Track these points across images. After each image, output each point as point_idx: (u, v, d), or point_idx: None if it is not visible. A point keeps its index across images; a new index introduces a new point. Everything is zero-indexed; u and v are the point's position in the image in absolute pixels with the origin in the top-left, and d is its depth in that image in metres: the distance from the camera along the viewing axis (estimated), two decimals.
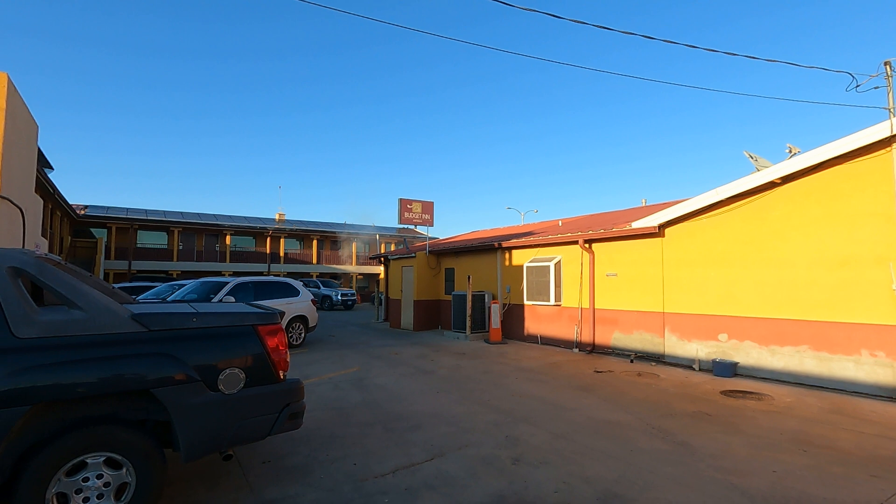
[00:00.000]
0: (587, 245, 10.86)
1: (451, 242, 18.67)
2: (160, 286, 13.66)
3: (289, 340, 11.27)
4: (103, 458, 2.92)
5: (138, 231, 30.72)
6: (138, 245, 30.46)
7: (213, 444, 3.25)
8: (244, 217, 37.36)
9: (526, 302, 12.45)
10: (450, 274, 15.89)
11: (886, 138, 6.61)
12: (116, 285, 16.92)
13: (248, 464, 4.16)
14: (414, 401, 6.40)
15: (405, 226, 16.66)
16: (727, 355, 8.30)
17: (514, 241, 13.10)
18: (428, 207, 16.44)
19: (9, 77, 6.70)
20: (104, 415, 3.04)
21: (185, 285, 11.77)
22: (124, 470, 2.98)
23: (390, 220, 58.58)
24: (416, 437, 4.90)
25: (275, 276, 22.83)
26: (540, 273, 11.89)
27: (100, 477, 2.91)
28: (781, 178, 7.68)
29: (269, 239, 34.43)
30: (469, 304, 13.01)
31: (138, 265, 29.25)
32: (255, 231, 34.34)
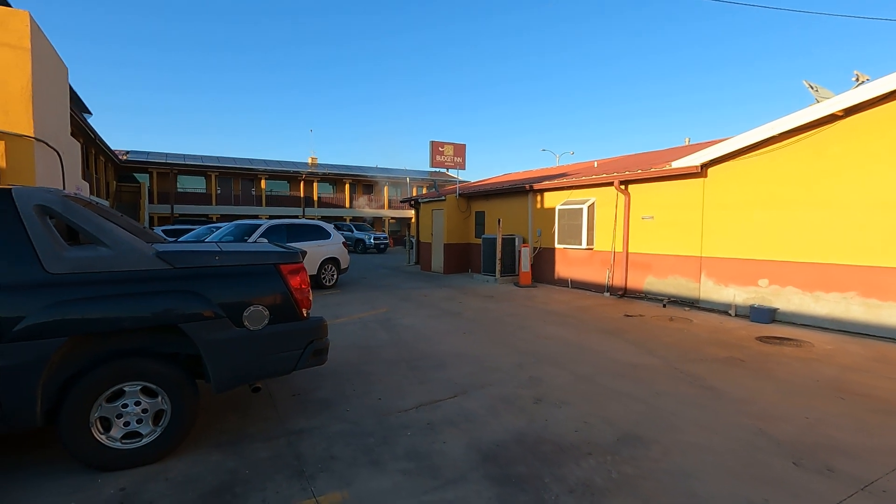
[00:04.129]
0: (623, 186, 10.40)
1: (481, 185, 18.33)
2: (199, 229, 14.13)
3: (321, 282, 11.58)
4: (140, 387, 3.09)
5: (178, 176, 31.58)
6: (179, 189, 31.41)
7: (242, 376, 3.38)
8: (277, 161, 37.71)
9: (557, 245, 12.23)
10: (480, 217, 15.71)
11: None
12: (158, 228, 17.65)
13: (278, 396, 4.36)
14: (439, 341, 6.50)
15: (437, 169, 16.37)
16: (766, 301, 7.98)
17: (545, 184, 12.70)
18: (460, 150, 16.02)
19: (31, 16, 6.67)
20: (137, 348, 3.18)
21: (221, 227, 12.11)
22: (160, 398, 3.14)
23: (421, 163, 57.96)
24: (440, 376, 4.99)
25: (308, 219, 23.26)
26: (572, 216, 11.56)
27: (138, 404, 3.09)
28: (844, 110, 6.96)
29: (302, 183, 34.82)
30: (499, 247, 12.90)
31: (180, 209, 30.33)
32: (289, 175, 34.73)
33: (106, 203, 23.11)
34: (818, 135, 7.33)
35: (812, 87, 8.10)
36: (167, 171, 30.50)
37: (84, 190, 9.30)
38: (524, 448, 3.40)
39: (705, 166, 8.83)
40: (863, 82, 7.17)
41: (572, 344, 6.34)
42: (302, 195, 34.63)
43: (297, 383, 4.67)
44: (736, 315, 8.27)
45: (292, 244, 10.23)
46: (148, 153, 33.15)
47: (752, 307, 7.97)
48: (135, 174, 30.30)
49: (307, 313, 3.72)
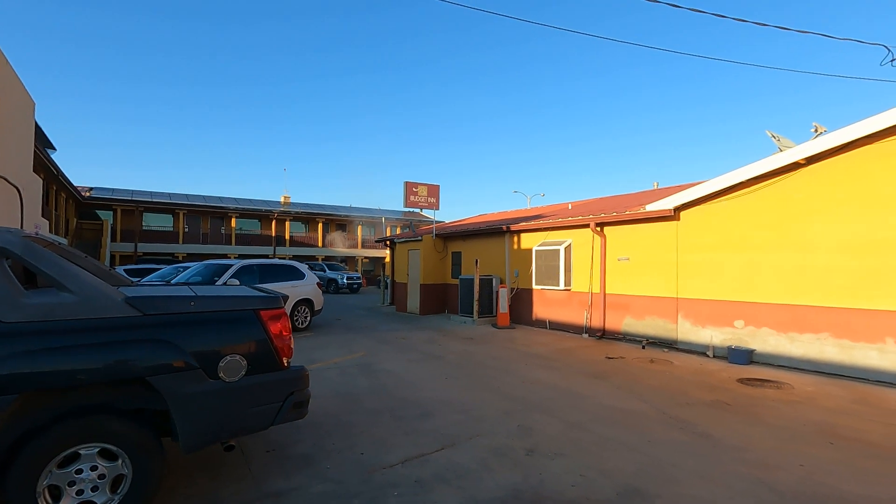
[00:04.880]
0: (598, 228, 10.58)
1: (458, 226, 18.42)
2: (165, 268, 13.55)
3: (294, 324, 11.16)
4: (97, 450, 2.76)
5: (144, 213, 30.67)
6: (144, 227, 30.43)
7: (214, 434, 3.09)
8: (249, 200, 37.25)
9: (535, 286, 12.23)
10: (457, 258, 15.67)
11: None
12: (120, 268, 16.87)
13: (252, 452, 4.01)
14: (423, 387, 6.24)
15: (411, 209, 16.43)
16: (743, 342, 8.07)
17: (522, 225, 12.83)
18: (434, 191, 16.16)
19: (0, 50, 6.44)
20: (97, 404, 2.87)
21: (190, 268, 11.64)
22: (120, 461, 2.81)
23: (395, 202, 58.27)
24: (426, 426, 4.73)
25: (280, 259, 22.73)
26: (549, 257, 11.64)
27: (94, 469, 2.75)
28: (806, 158, 7.34)
29: (274, 222, 34.30)
30: (477, 288, 12.81)
31: (144, 247, 29.27)
32: (261, 214, 34.21)
33: (65, 241, 22.10)
34: (784, 181, 7.68)
35: (775, 137, 8.56)
36: (133, 208, 29.58)
37: (43, 228, 8.81)
38: None
39: (678, 210, 9.10)
40: (821, 133, 7.62)
41: (559, 389, 6.19)
42: (273, 234, 34.04)
43: (273, 437, 4.33)
44: (714, 356, 8.32)
45: (265, 285, 9.90)
46: (113, 189, 32.19)
47: (729, 348, 8.04)
48: (98, 211, 29.26)
49: (288, 362, 3.47)
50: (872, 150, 6.77)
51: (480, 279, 13.00)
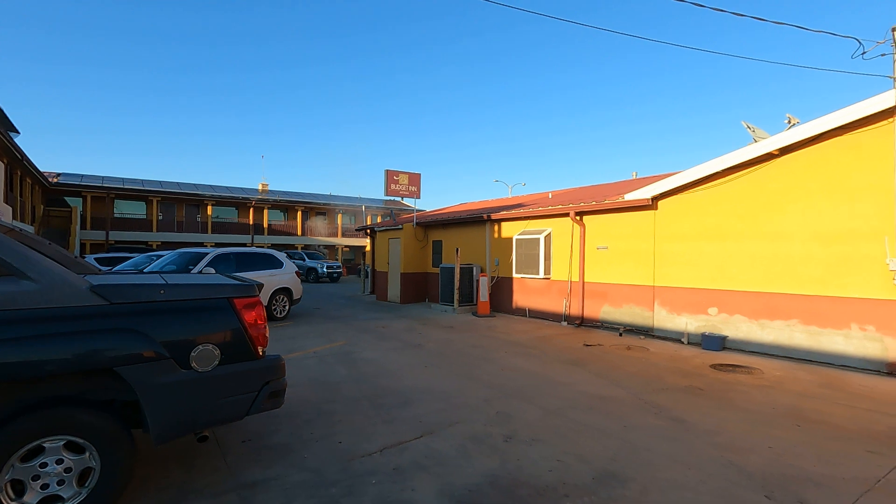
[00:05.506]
0: (578, 217, 10.66)
1: (438, 214, 18.36)
2: (137, 257, 13.20)
3: (272, 313, 11.02)
4: (63, 442, 2.67)
5: (115, 200, 29.76)
6: (116, 215, 29.55)
7: (186, 425, 3.02)
8: (226, 187, 36.45)
9: (515, 275, 12.30)
10: (437, 246, 15.64)
11: (889, 109, 6.41)
12: (91, 256, 16.37)
13: (227, 443, 3.95)
14: (402, 375, 6.22)
15: (392, 198, 16.33)
16: (716, 329, 8.27)
17: (503, 214, 12.85)
18: (415, 179, 16.04)
19: None
20: (62, 396, 2.77)
21: (163, 256, 11.35)
22: (87, 454, 2.73)
23: (376, 191, 57.80)
24: (405, 414, 4.73)
25: (258, 247, 22.36)
26: (529, 246, 11.70)
27: (60, 462, 2.66)
28: (779, 149, 7.49)
29: (252, 210, 33.67)
30: (457, 276, 12.82)
31: (116, 235, 28.44)
32: (238, 201, 33.53)
33: (31, 229, 21.26)
34: (758, 171, 7.82)
35: (750, 128, 8.70)
36: (103, 194, 28.65)
37: (6, 215, 8.45)
38: (499, 492, 3.20)
39: (655, 199, 9.21)
40: (794, 125, 7.77)
41: (538, 376, 6.25)
42: (251, 222, 33.42)
43: (249, 427, 4.26)
44: (689, 343, 8.51)
45: (242, 274, 9.73)
46: (82, 176, 31.11)
47: (703, 335, 8.23)
48: (66, 198, 28.26)
49: (263, 351, 3.41)
50: (843, 142, 6.94)
51: (461, 268, 13.01)
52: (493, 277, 13.12)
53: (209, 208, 32.42)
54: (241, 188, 37.43)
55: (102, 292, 2.83)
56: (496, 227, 13.39)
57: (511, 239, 12.45)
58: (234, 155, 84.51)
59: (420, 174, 16.11)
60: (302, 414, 4.68)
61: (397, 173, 15.71)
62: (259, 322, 3.34)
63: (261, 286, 3.64)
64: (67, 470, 2.68)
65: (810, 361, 7.09)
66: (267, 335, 3.44)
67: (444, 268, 13.52)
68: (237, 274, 8.46)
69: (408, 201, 18.12)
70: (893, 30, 6.48)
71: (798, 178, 7.39)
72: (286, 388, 3.56)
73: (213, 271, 9.53)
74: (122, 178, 32.50)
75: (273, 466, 3.54)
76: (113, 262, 14.89)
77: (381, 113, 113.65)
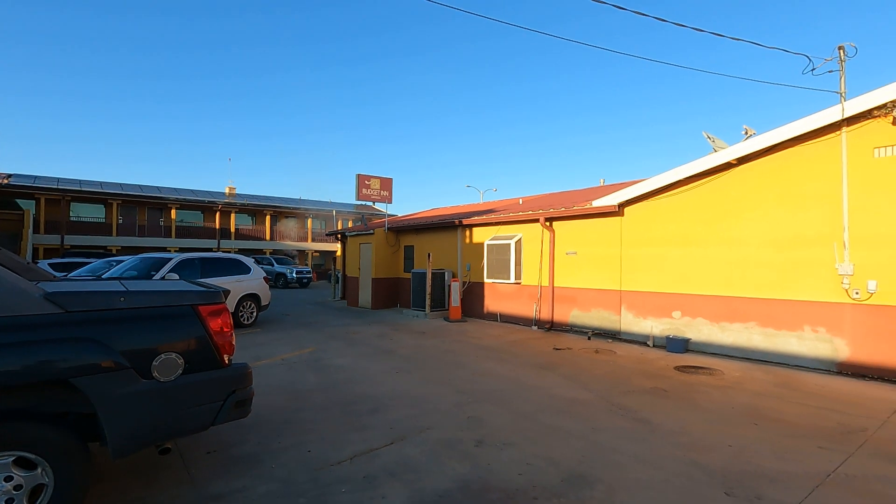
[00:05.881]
0: (548, 223, 10.84)
1: (410, 219, 18.33)
2: (95, 262, 12.65)
3: (239, 320, 10.76)
4: (12, 458, 2.54)
5: (72, 203, 28.48)
6: (72, 218, 28.28)
7: (147, 437, 2.91)
8: (191, 190, 35.39)
9: (486, 280, 12.39)
10: (409, 251, 15.61)
11: (836, 122, 6.80)
12: (44, 262, 15.62)
13: (191, 455, 3.83)
14: (373, 382, 6.17)
15: (363, 202, 16.19)
16: (680, 332, 8.54)
17: (475, 219, 12.94)
18: (387, 184, 16.00)
19: None
20: (12, 409, 2.63)
21: (124, 261, 10.92)
22: (39, 470, 2.60)
23: (347, 196, 57.27)
24: (376, 421, 4.69)
25: (225, 252, 21.78)
26: (500, 251, 11.81)
27: (9, 479, 2.53)
28: (737, 159, 7.82)
29: (218, 213, 32.79)
30: (429, 282, 12.82)
31: (73, 240, 27.20)
32: (204, 205, 32.60)
33: None
34: (718, 180, 8.15)
35: (710, 138, 9.06)
36: (59, 197, 27.36)
37: None
38: (470, 497, 3.22)
39: (622, 206, 9.46)
40: (751, 136, 8.13)
41: (509, 380, 6.30)
42: (218, 226, 32.52)
43: (214, 438, 4.15)
44: (654, 346, 8.75)
45: (207, 280, 9.46)
46: (35, 177, 29.63)
47: (667, 338, 8.48)
48: (18, 200, 26.85)
49: (229, 359, 3.33)
50: (795, 153, 7.31)
51: (433, 273, 13.02)
52: (464, 282, 13.18)
53: (173, 212, 31.41)
54: (207, 191, 36.43)
55: (57, 300, 2.71)
56: (468, 233, 13.47)
57: (482, 244, 12.55)
58: (199, 159, 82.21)
59: (392, 179, 16.10)
60: (270, 423, 4.59)
61: (369, 178, 15.63)
62: (225, 329, 3.26)
63: (227, 292, 3.56)
64: (17, 487, 2.55)
65: (767, 362, 7.40)
66: (233, 343, 3.36)
67: (416, 273, 13.50)
68: (202, 280, 8.22)
69: (379, 206, 18.03)
70: (840, 48, 6.89)
71: (755, 187, 7.73)
72: (253, 396, 3.49)
73: (177, 277, 9.24)
74: (80, 181, 31.10)
75: (240, 478, 3.45)
76: (69, 267, 14.24)
77: (352, 119, 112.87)
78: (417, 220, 17.07)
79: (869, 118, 6.58)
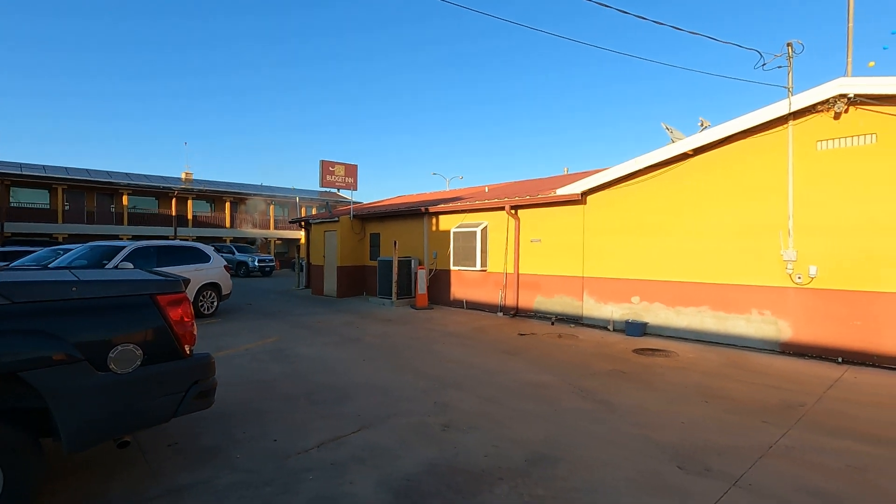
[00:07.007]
0: (513, 211, 10.98)
1: (376, 207, 18.16)
2: (41, 251, 11.96)
3: (199, 310, 10.46)
4: None
5: (11, 188, 26.68)
6: (12, 204, 26.53)
7: (104, 431, 2.83)
8: (145, 175, 33.78)
9: (452, 267, 12.47)
10: (375, 239, 15.49)
11: (784, 116, 7.16)
12: None
13: (152, 448, 3.73)
14: (340, 370, 6.15)
15: (327, 189, 15.95)
16: (638, 316, 8.88)
17: (441, 207, 12.96)
18: (351, 170, 15.77)
19: None
20: None
21: (72, 249, 10.38)
22: None
23: (311, 182, 56.13)
24: (343, 409, 4.69)
25: (182, 240, 20.99)
26: (467, 238, 11.90)
27: None
28: (693, 150, 8.13)
29: (174, 200, 31.48)
30: (395, 269, 12.79)
31: (13, 227, 25.56)
32: (159, 191, 31.19)
33: None
34: (676, 169, 8.46)
35: (668, 129, 9.36)
36: None
37: None
38: (437, 480, 3.28)
39: (585, 194, 9.69)
40: (706, 127, 8.45)
41: (475, 366, 6.41)
42: (174, 213, 31.23)
43: (176, 430, 4.05)
44: (614, 330, 9.07)
45: (164, 269, 9.11)
46: None
47: (627, 322, 8.81)
48: None
49: (190, 350, 3.25)
50: (747, 145, 7.66)
51: (399, 261, 12.99)
52: (431, 270, 13.22)
53: (125, 198, 29.91)
54: (162, 177, 34.86)
55: (2, 290, 2.58)
56: (434, 220, 13.48)
57: (449, 232, 12.60)
58: (152, 143, 78.30)
59: (357, 165, 15.87)
60: (234, 414, 4.52)
61: (333, 164, 15.36)
62: (186, 319, 3.18)
63: (187, 281, 3.46)
64: None
65: (719, 343, 7.81)
66: (195, 333, 3.29)
67: (382, 261, 13.44)
68: (159, 269, 7.95)
69: (344, 193, 17.77)
70: (788, 45, 7.23)
71: (709, 177, 8.07)
72: (216, 387, 3.43)
73: (132, 266, 8.86)
74: (20, 164, 29.15)
75: (203, 469, 3.40)
76: (10, 257, 13.40)
77: (316, 104, 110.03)
78: (383, 207, 16.94)
79: (813, 113, 6.96)
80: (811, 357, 6.90)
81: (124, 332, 2.91)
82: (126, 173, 32.74)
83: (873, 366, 6.39)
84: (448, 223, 12.89)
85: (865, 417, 4.53)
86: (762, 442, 3.94)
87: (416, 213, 13.75)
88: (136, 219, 30.13)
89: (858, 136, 6.62)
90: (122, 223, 29.29)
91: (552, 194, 10.04)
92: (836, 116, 6.73)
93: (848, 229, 6.67)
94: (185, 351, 3.17)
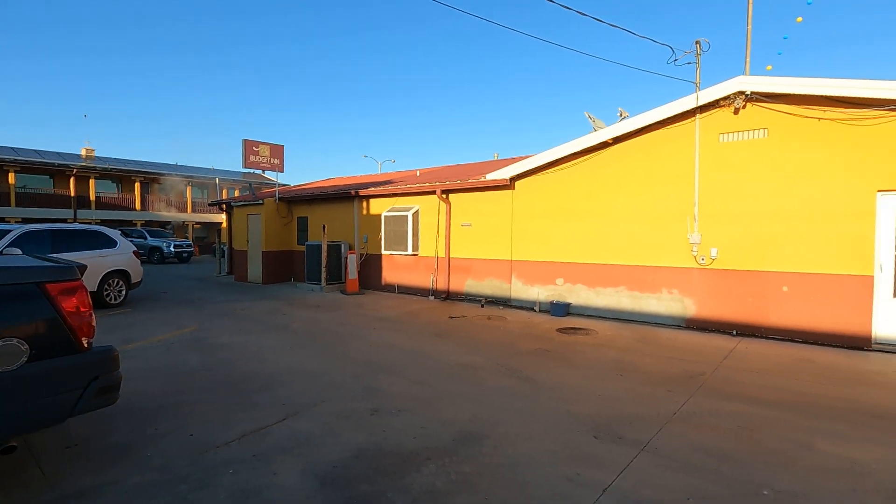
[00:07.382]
0: (444, 195, 11.02)
1: (304, 189, 17.49)
2: None
3: (105, 300, 9.60)
4: None
5: None
6: None
7: None
8: (35, 151, 30.09)
9: (384, 252, 12.35)
10: (303, 223, 14.96)
11: (692, 109, 7.72)
12: None
13: (45, 451, 3.38)
14: (264, 359, 5.92)
15: (251, 170, 15.10)
16: (562, 297, 9.32)
17: (371, 190, 12.74)
18: (277, 151, 15.02)
19: None
20: None
21: None
22: None
23: (232, 163, 52.87)
24: (267, 398, 4.52)
25: (83, 223, 19.03)
26: (398, 223, 11.81)
27: None
28: (613, 139, 8.57)
29: (73, 179, 28.36)
30: (324, 254, 12.45)
31: None
32: (54, 169, 27.95)
33: None
34: (597, 157, 8.88)
35: (591, 118, 9.80)
36: None
37: None
38: (364, 464, 3.27)
39: (513, 179, 9.93)
40: (624, 118, 8.93)
41: (405, 349, 6.43)
42: (73, 194, 28.17)
43: (74, 430, 3.70)
44: (540, 311, 9.46)
45: (61, 255, 8.23)
46: None
47: (552, 303, 9.21)
48: None
49: (89, 343, 2.97)
50: (660, 135, 8.19)
51: (328, 245, 12.65)
52: (362, 255, 13.01)
53: (11, 176, 26.50)
54: (58, 153, 31.25)
55: None
56: (365, 204, 13.24)
57: (380, 216, 12.43)
58: (40, 109, 69.63)
59: (283, 146, 15.13)
60: (144, 409, 4.20)
61: (257, 143, 14.54)
62: (82, 310, 2.90)
63: (83, 268, 3.13)
64: None
65: (634, 321, 8.39)
66: (93, 324, 3.00)
67: (311, 245, 13.02)
68: (53, 255, 7.16)
69: (269, 174, 16.94)
70: (697, 43, 7.78)
71: (627, 165, 8.56)
72: (122, 381, 3.16)
73: (20, 252, 7.90)
74: None
75: (108, 470, 3.13)
76: None
77: (233, 80, 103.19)
78: (312, 190, 16.36)
79: (717, 107, 7.56)
80: (711, 331, 7.61)
81: (6, 324, 2.59)
82: (13, 148, 28.97)
83: (762, 337, 7.18)
84: (379, 207, 12.71)
85: (753, 383, 5.08)
86: (668, 410, 4.30)
87: (347, 196, 13.41)
88: (27, 200, 26.86)
89: (753, 130, 7.30)
90: (8, 204, 26.00)
91: (482, 179, 10.19)
92: (736, 111, 7.36)
93: (743, 215, 7.37)
94: (83, 344, 2.89)
